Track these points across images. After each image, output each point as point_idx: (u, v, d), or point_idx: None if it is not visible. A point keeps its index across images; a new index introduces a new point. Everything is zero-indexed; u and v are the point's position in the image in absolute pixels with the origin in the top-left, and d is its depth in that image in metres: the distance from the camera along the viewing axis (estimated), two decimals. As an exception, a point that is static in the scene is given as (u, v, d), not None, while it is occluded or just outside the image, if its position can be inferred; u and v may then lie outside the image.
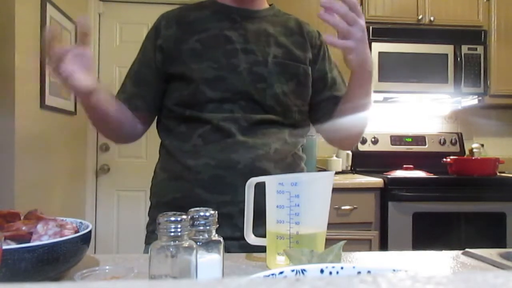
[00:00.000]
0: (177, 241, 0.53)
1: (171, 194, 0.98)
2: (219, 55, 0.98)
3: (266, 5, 1.09)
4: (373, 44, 2.43)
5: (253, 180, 0.75)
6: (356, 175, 2.47)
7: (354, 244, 2.13)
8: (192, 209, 0.61)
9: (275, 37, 1.03)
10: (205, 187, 0.93)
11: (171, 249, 0.53)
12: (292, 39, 1.05)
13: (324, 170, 2.48)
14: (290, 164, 1.01)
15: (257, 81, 0.98)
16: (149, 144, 2.78)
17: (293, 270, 0.38)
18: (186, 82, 0.98)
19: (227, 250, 0.84)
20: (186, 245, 0.54)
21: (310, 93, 1.06)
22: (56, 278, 0.62)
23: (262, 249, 0.75)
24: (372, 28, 2.44)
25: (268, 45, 1.01)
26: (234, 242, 0.87)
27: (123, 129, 1.04)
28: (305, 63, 1.04)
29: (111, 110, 0.98)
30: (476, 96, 2.58)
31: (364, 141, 2.67)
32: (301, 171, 1.05)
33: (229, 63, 0.97)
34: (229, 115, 0.96)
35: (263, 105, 0.98)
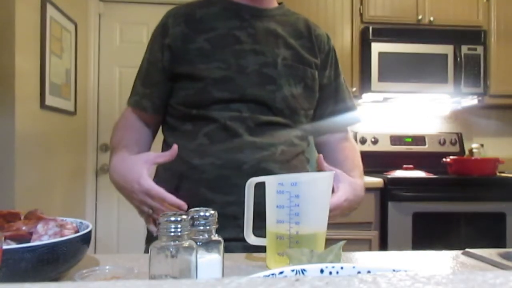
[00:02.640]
0: (177, 241, 0.53)
1: (174, 193, 0.97)
2: (227, 55, 0.96)
3: (275, 4, 1.08)
4: (373, 44, 2.43)
5: (253, 180, 0.75)
6: (356, 175, 2.46)
7: (354, 244, 2.13)
8: (192, 209, 0.61)
9: (284, 38, 1.01)
10: (210, 187, 0.93)
11: (171, 249, 0.53)
12: (301, 42, 1.04)
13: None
14: (296, 166, 0.99)
15: (266, 83, 0.97)
16: (149, 144, 2.78)
17: (293, 270, 0.38)
18: (193, 82, 0.97)
19: (231, 251, 0.83)
20: (186, 245, 0.54)
21: (316, 97, 1.06)
22: (56, 278, 0.62)
23: (262, 249, 0.75)
24: (372, 28, 2.44)
25: (277, 46, 1.00)
26: (238, 243, 0.84)
27: (148, 149, 1.08)
28: (312, 67, 1.04)
29: None
30: (476, 96, 2.58)
31: (364, 141, 2.67)
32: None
33: (237, 64, 0.96)
34: (237, 114, 0.95)
35: (272, 108, 0.97)
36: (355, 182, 0.96)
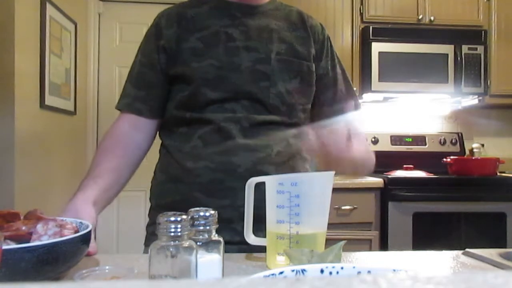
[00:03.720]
0: (177, 241, 0.53)
1: (170, 196, 0.96)
2: (220, 53, 0.95)
3: None
4: (373, 44, 2.42)
5: (253, 180, 0.75)
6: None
7: (354, 244, 2.13)
8: (192, 209, 0.61)
9: (278, 32, 1.00)
10: (204, 191, 0.91)
11: (171, 249, 0.53)
12: (295, 34, 1.02)
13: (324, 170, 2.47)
14: (293, 166, 0.98)
15: (260, 79, 0.95)
16: (149, 144, 2.78)
17: (293, 270, 0.38)
18: (186, 83, 0.96)
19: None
20: (186, 245, 0.54)
21: (314, 91, 1.04)
22: (56, 278, 0.62)
23: (262, 249, 0.75)
24: (372, 28, 2.44)
25: (270, 41, 0.98)
26: (233, 247, 0.83)
27: (131, 172, 1.03)
28: (309, 59, 1.02)
29: (115, 192, 0.98)
30: (476, 96, 2.58)
31: (364, 141, 2.67)
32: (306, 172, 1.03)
33: (230, 62, 0.95)
34: (231, 115, 0.94)
35: (267, 105, 0.95)
36: (368, 147, 0.92)
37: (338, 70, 1.09)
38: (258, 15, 1.01)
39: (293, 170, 0.97)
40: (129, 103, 1.01)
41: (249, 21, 0.99)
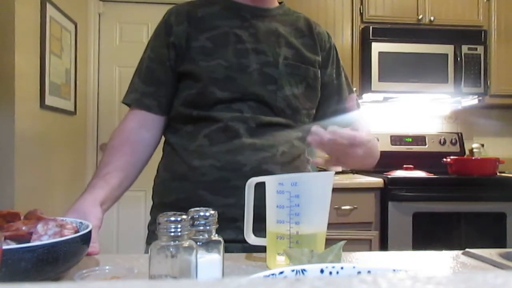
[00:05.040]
0: (177, 241, 0.53)
1: (174, 194, 0.97)
2: (229, 54, 0.96)
3: (276, 4, 1.08)
4: (373, 44, 2.43)
5: (253, 180, 0.75)
6: (356, 175, 2.47)
7: (354, 244, 2.13)
8: (192, 209, 0.61)
9: (286, 38, 1.02)
10: (209, 189, 0.92)
11: (171, 249, 0.53)
12: (302, 40, 1.04)
13: (324, 170, 2.47)
14: (297, 166, 0.99)
15: (267, 82, 0.97)
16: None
17: (293, 270, 0.38)
18: (194, 81, 0.96)
19: (230, 253, 0.83)
20: (186, 245, 0.54)
21: (319, 96, 1.06)
22: (56, 278, 0.62)
23: (262, 249, 0.75)
24: (372, 28, 2.44)
25: (278, 45, 1.00)
26: (237, 245, 0.85)
27: (139, 171, 1.01)
28: (315, 65, 1.04)
29: (123, 190, 0.97)
30: (476, 96, 2.58)
31: (364, 141, 2.67)
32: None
33: (239, 63, 0.96)
34: (238, 114, 0.95)
35: (273, 107, 0.97)
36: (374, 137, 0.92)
37: (343, 78, 1.11)
38: (267, 18, 1.03)
39: (297, 170, 0.99)
40: (137, 98, 1.01)
41: (258, 24, 1.01)
